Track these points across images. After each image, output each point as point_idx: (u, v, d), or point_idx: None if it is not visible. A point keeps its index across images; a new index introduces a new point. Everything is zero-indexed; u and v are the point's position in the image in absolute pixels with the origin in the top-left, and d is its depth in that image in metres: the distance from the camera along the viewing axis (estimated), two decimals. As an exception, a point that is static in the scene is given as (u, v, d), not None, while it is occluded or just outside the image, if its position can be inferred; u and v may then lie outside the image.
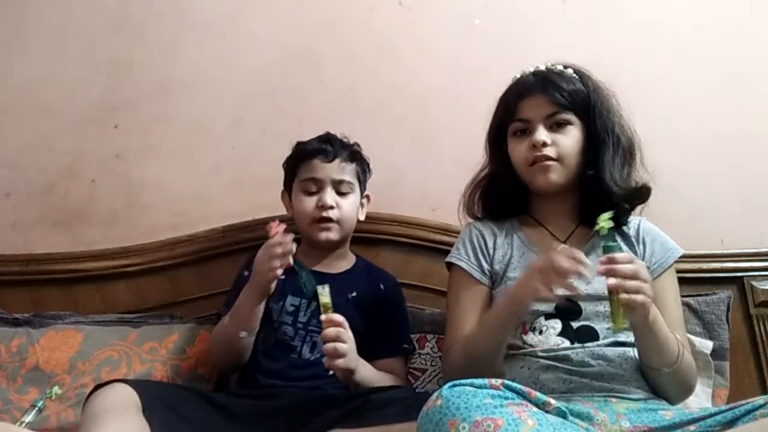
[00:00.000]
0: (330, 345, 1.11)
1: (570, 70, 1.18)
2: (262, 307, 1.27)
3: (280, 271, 1.18)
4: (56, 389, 1.37)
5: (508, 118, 1.19)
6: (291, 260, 1.20)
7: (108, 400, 1.00)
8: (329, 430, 1.01)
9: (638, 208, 1.20)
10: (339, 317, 1.13)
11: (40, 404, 1.33)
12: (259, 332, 1.33)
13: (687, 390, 1.09)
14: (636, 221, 1.21)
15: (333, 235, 1.35)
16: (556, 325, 1.12)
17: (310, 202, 1.36)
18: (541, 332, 1.11)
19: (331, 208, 1.34)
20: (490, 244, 1.23)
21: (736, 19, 1.69)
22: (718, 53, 1.67)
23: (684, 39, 1.69)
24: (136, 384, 1.05)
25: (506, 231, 1.24)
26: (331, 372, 1.25)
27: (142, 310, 1.60)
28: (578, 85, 1.16)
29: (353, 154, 1.42)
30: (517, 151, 1.18)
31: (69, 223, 1.76)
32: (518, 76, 1.22)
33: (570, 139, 1.14)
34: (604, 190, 1.12)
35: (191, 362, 1.42)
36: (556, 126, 1.14)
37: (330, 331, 1.12)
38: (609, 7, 1.74)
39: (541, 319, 1.13)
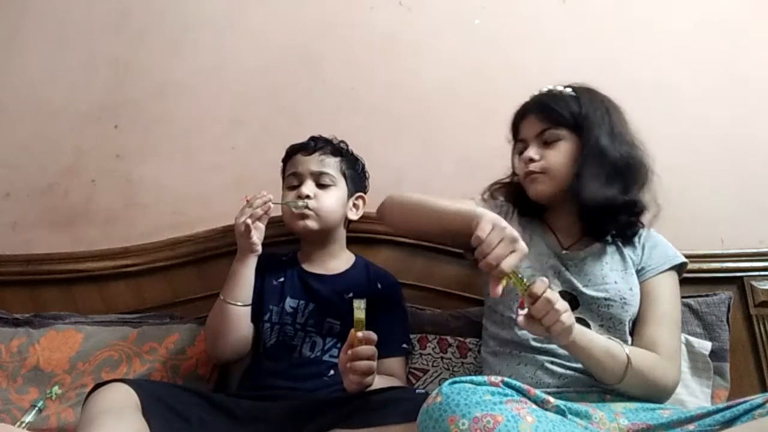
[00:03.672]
0: (365, 363, 1.08)
1: (569, 90, 1.24)
2: (251, 277, 1.31)
3: (249, 221, 1.26)
4: (56, 389, 1.37)
5: (515, 140, 1.31)
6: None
7: (107, 400, 1.01)
8: (329, 431, 1.01)
9: (648, 219, 1.25)
10: (374, 335, 1.10)
11: (40, 404, 1.33)
12: (259, 336, 1.35)
13: (660, 391, 1.09)
14: (643, 232, 1.25)
15: (310, 223, 1.35)
16: None
17: (291, 196, 1.38)
18: None
19: (308, 197, 1.35)
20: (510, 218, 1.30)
21: (737, 19, 1.68)
22: (718, 53, 1.67)
23: (684, 39, 1.69)
24: (136, 384, 1.05)
25: (526, 223, 1.29)
26: (332, 372, 1.26)
27: (142, 310, 1.60)
28: (572, 103, 1.21)
29: (337, 150, 1.43)
30: (517, 167, 1.28)
31: (69, 223, 1.76)
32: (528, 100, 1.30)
33: (558, 154, 1.20)
34: (581, 202, 1.17)
35: (191, 362, 1.42)
36: (548, 142, 1.21)
37: (365, 349, 1.07)
38: (608, 7, 1.74)
39: None
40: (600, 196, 1.15)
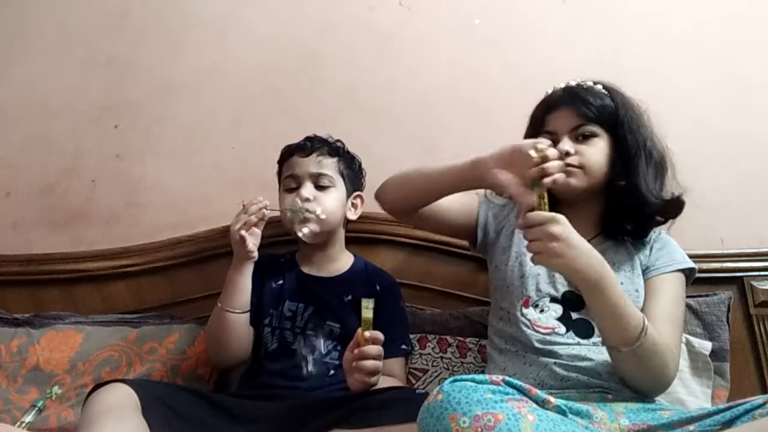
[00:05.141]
0: (371, 363, 1.08)
1: (599, 86, 1.21)
2: (248, 284, 1.30)
3: (244, 231, 1.26)
4: (56, 389, 1.37)
5: (537, 131, 1.23)
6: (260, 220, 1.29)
7: (107, 401, 1.00)
8: (329, 431, 1.01)
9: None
10: (381, 335, 1.10)
11: (40, 404, 1.33)
12: (260, 339, 1.35)
13: (656, 381, 1.06)
14: (656, 231, 1.23)
15: (312, 227, 1.34)
16: (557, 309, 1.16)
17: (290, 199, 1.36)
18: (542, 311, 1.15)
19: (307, 200, 1.34)
20: (506, 216, 1.31)
21: (737, 19, 1.68)
22: (718, 52, 1.67)
23: (684, 38, 1.69)
24: (136, 384, 1.05)
25: None
26: (332, 372, 1.26)
27: (142, 310, 1.60)
28: (606, 100, 1.18)
29: (334, 150, 1.42)
30: None
31: (69, 223, 1.77)
32: (549, 92, 1.25)
33: (595, 150, 1.17)
34: (638, 200, 1.15)
35: (191, 362, 1.42)
36: (582, 137, 1.17)
37: (372, 348, 1.08)
38: (608, 7, 1.74)
39: (546, 300, 1.17)
40: (657, 195, 1.15)
